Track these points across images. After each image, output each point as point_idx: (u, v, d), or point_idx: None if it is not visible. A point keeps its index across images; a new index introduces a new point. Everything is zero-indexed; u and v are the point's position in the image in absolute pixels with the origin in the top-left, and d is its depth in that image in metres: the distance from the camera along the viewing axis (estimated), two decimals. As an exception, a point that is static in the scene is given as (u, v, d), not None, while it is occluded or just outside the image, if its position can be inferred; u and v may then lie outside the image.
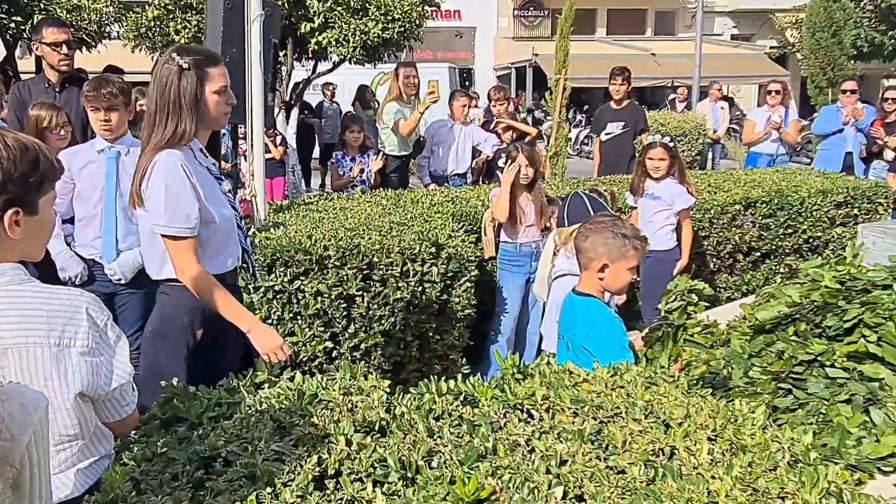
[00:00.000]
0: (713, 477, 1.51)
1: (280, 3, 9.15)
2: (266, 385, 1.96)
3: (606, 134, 7.56)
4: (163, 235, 2.54)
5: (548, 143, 11.19)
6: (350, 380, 1.97)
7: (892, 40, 22.59)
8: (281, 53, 10.05)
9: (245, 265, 2.96)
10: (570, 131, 16.06)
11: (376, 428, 1.67)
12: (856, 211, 5.82)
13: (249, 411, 1.76)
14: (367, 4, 10.10)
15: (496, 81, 27.21)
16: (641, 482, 1.48)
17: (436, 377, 1.96)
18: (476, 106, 17.42)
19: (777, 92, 7.97)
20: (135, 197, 2.59)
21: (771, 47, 26.56)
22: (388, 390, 1.90)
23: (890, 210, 5.96)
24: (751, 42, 27.10)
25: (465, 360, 4.25)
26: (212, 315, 2.64)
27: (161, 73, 2.56)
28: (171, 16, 9.16)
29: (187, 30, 9.10)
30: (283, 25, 9.45)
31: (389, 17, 10.15)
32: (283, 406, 1.77)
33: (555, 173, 10.05)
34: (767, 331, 3.32)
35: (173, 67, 2.54)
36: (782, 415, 2.95)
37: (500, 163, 6.86)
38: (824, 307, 3.19)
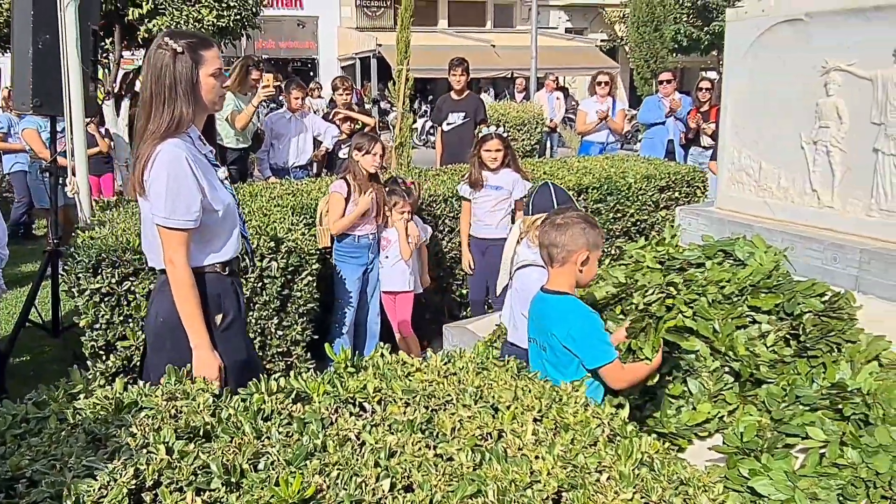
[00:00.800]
0: (536, 456, 1.56)
1: (103, -13, 8.60)
2: (81, 396, 1.84)
3: (448, 124, 7.67)
4: (158, 225, 2.50)
5: (393, 133, 11.21)
6: (176, 384, 1.88)
7: (709, 35, 24.36)
8: (107, 41, 9.46)
9: (245, 252, 2.93)
10: (414, 121, 16.20)
11: (201, 433, 1.60)
12: (677, 194, 6.22)
13: (61, 426, 1.64)
14: (199, -9, 9.69)
15: (341, 72, 26.97)
16: (468, 467, 1.50)
17: (281, 374, 1.91)
18: (320, 96, 17.17)
19: (605, 83, 8.38)
20: (136, 186, 2.53)
21: (602, 40, 27.96)
22: (216, 393, 1.84)
23: (708, 193, 6.42)
24: (584, 35, 28.38)
25: (309, 355, 4.18)
26: (227, 300, 2.67)
27: (155, 59, 2.52)
28: (-23, -1, 8.37)
29: (-4, 14, 8.36)
30: (108, 11, 8.90)
31: (224, 4, 9.78)
32: (99, 417, 1.67)
33: (400, 163, 10.09)
34: (598, 310, 3.48)
35: (167, 52, 2.50)
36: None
37: (342, 153, 6.83)
38: (646, 286, 3.39)
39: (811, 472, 2.48)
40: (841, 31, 3.27)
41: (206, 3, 9.59)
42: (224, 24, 9.92)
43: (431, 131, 18.38)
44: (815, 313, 3.02)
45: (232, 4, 9.82)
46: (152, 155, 2.49)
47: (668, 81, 8.45)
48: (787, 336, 3.03)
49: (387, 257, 4.72)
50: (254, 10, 10.39)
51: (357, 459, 1.51)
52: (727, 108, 3.99)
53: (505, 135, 4.97)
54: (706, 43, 24.30)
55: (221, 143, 6.56)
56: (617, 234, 6.02)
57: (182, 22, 9.48)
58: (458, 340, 4.22)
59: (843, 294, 3.11)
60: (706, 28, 24.73)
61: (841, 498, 2.44)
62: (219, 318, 2.67)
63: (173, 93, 2.50)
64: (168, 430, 1.54)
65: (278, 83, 6.54)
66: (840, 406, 2.63)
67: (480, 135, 4.99)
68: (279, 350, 4.10)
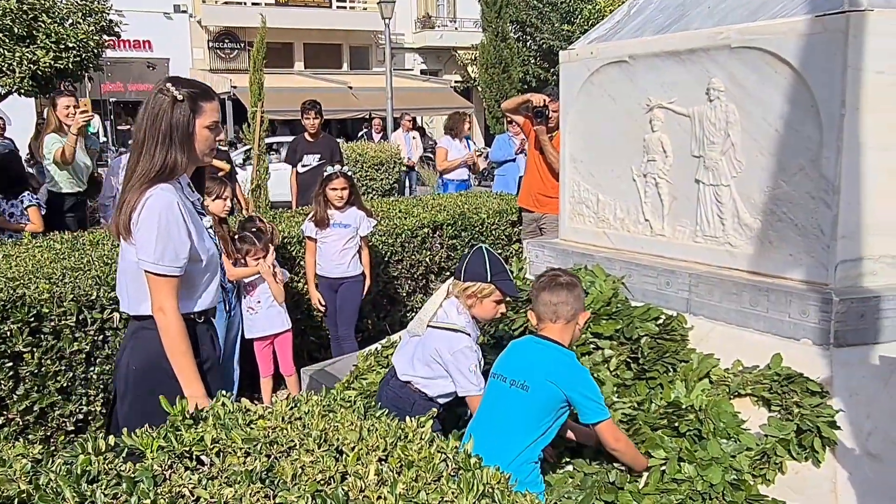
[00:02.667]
0: (378, 497, 1.55)
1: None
2: None
3: (303, 166, 7.64)
4: (147, 271, 2.46)
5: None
6: (-9, 452, 1.74)
7: (555, 76, 25.57)
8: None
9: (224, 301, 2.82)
10: (270, 163, 15.93)
11: (15, 503, 1.48)
12: (529, 228, 6.45)
13: None
14: (34, 31, 9.22)
15: (194, 114, 26.22)
16: (307, 514, 1.47)
17: (126, 432, 1.81)
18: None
19: (462, 122, 8.65)
20: (121, 229, 2.48)
21: (456, 81, 28.78)
22: (38, 457, 1.71)
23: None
24: (438, 76, 29.12)
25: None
26: (203, 348, 2.64)
27: (154, 102, 2.50)
28: None
29: None
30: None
31: (62, 46, 9.38)
32: None
33: (258, 205, 9.90)
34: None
35: (167, 98, 2.49)
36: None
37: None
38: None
39: (653, 490, 2.61)
40: (660, 71, 3.52)
41: (43, 45, 9.16)
42: (63, 66, 9.50)
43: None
44: (652, 336, 3.19)
45: (71, 46, 9.42)
46: (142, 199, 2.44)
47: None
48: (628, 360, 3.19)
49: (259, 302, 4.59)
50: (95, 51, 10.01)
51: (189, 516, 1.45)
52: (565, 144, 4.19)
53: (350, 173, 4.99)
54: (553, 83, 25.50)
55: (59, 189, 6.21)
56: (473, 268, 6.15)
57: (15, 63, 9.00)
58: (317, 383, 4.15)
59: (675, 316, 3.31)
60: (552, 70, 25.99)
61: (681, 511, 2.57)
62: (195, 362, 2.58)
63: (167, 139, 2.48)
64: (-24, 503, 1.42)
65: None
66: (676, 424, 2.78)
67: (325, 174, 4.99)
68: (125, 406, 3.88)
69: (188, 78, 2.72)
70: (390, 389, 3.18)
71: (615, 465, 2.74)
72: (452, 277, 3.16)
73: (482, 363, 3.06)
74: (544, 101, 5.43)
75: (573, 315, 2.76)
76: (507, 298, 3.13)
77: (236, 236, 4.59)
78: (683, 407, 2.86)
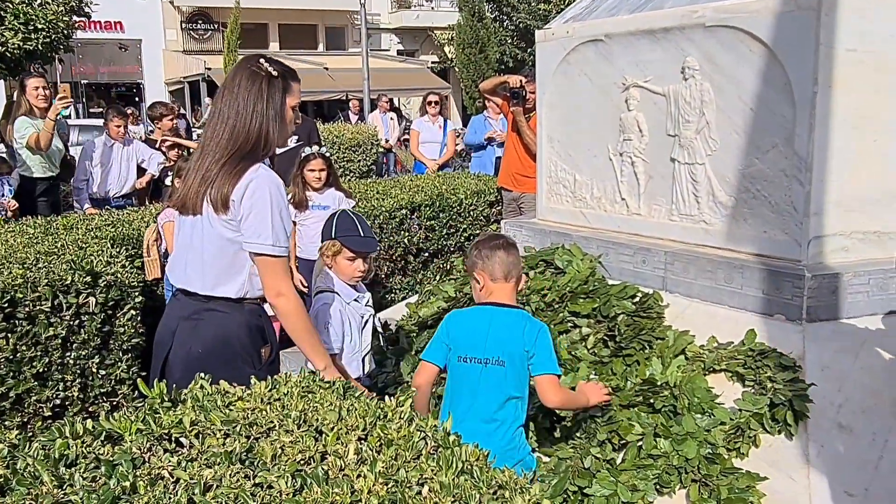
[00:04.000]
0: (358, 476, 1.56)
1: None
2: None
3: (280, 148, 7.57)
4: (263, 255, 2.41)
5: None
6: (-32, 438, 1.73)
7: (532, 56, 25.52)
8: None
9: None
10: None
11: (-7, 488, 1.48)
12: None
13: None
14: (1, 12, 9.04)
15: (168, 96, 25.95)
16: (287, 493, 1.48)
17: (103, 415, 1.80)
18: (136, 122, 16.38)
19: (435, 103, 8.61)
20: (217, 203, 2.39)
21: (433, 62, 28.62)
22: (15, 442, 1.70)
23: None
24: (415, 57, 28.94)
25: (137, 393, 3.97)
26: (271, 332, 2.61)
27: (246, 77, 2.45)
28: None
29: None
30: None
31: (31, 27, 9.19)
32: None
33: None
34: (430, 326, 3.56)
35: (262, 73, 2.45)
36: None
37: (168, 181, 6.56)
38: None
39: (630, 466, 2.65)
40: (636, 50, 3.53)
41: (11, 26, 8.98)
42: (32, 48, 9.32)
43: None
44: (628, 314, 3.22)
45: (40, 27, 9.24)
46: (244, 177, 2.38)
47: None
48: (605, 337, 3.22)
49: None
50: (65, 32, 9.84)
51: (170, 498, 1.45)
52: (542, 124, 4.20)
53: (328, 154, 4.97)
54: (531, 63, 25.46)
55: (31, 174, 6.13)
56: (451, 249, 6.16)
57: (-17, 45, 8.82)
58: (294, 366, 4.15)
59: (651, 294, 3.34)
60: (529, 50, 25.92)
61: (658, 486, 2.61)
62: (265, 350, 2.60)
63: (264, 115, 2.43)
64: (-47, 489, 1.42)
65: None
66: (652, 400, 2.81)
67: (303, 155, 4.96)
68: (103, 391, 3.87)
69: (275, 57, 2.66)
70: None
71: (591, 449, 2.76)
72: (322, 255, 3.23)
73: (356, 322, 3.13)
74: (521, 81, 5.44)
75: (521, 275, 2.79)
76: (366, 257, 3.17)
77: None
78: (659, 384, 2.90)
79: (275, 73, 2.49)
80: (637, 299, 3.33)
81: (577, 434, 2.84)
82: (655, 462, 2.64)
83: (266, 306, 2.76)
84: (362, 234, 3.18)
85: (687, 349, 3.06)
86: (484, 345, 2.67)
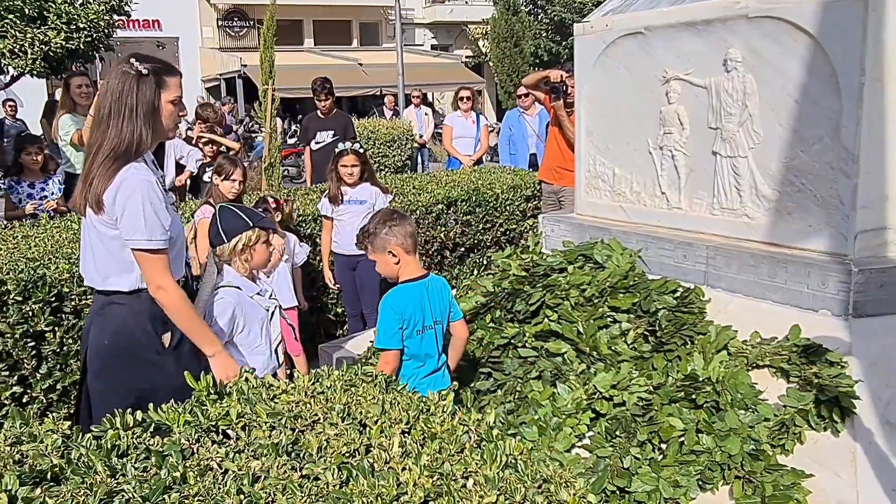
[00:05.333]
0: (403, 468, 1.57)
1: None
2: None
3: (317, 143, 7.62)
4: (140, 250, 2.50)
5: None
6: (22, 427, 1.77)
7: (567, 49, 25.38)
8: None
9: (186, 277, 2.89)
10: (283, 141, 15.96)
11: (48, 477, 1.51)
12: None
13: None
14: (44, 12, 9.21)
15: (205, 93, 26.24)
16: (334, 485, 1.49)
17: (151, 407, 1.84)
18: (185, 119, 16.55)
19: (467, 98, 8.56)
20: (91, 203, 2.50)
21: (467, 56, 28.56)
22: (68, 433, 1.74)
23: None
24: (449, 52, 28.90)
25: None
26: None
27: (118, 78, 2.52)
28: None
29: None
30: (-60, 35, 8.32)
31: (73, 27, 9.36)
32: (-67, 469, 1.54)
33: (271, 184, 9.93)
34: (468, 321, 3.55)
35: (132, 73, 2.51)
36: (485, 397, 3.18)
37: (206, 177, 6.64)
38: (514, 293, 3.49)
39: (672, 461, 2.62)
40: (677, 42, 3.49)
41: (54, 25, 9.16)
42: (74, 47, 9.49)
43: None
44: (669, 309, 3.19)
45: (82, 26, 9.41)
46: (116, 177, 2.48)
47: (526, 95, 8.74)
48: (646, 333, 3.19)
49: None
50: (106, 31, 10.00)
51: (219, 488, 1.47)
52: (581, 118, 4.16)
53: (361, 150, 4.97)
54: (566, 57, 25.32)
55: (72, 170, 6.24)
56: (487, 244, 6.15)
57: (27, 45, 9.00)
58: (334, 360, 4.18)
59: (692, 289, 3.30)
60: (564, 43, 25.75)
61: (700, 482, 2.58)
62: (166, 337, 2.66)
63: (134, 114, 2.51)
64: (11, 477, 1.45)
65: None
66: (694, 396, 2.78)
67: (337, 150, 4.99)
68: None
69: (149, 55, 2.73)
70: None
71: (631, 449, 2.74)
72: (211, 252, 3.21)
73: (261, 315, 3.16)
74: (561, 76, 5.41)
75: (415, 246, 3.11)
76: (270, 236, 3.24)
77: None
78: (701, 379, 2.86)
79: (144, 71, 2.55)
80: (678, 294, 3.30)
81: (617, 433, 2.82)
82: (698, 458, 2.61)
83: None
84: (260, 216, 3.26)
85: (729, 345, 3.02)
86: (429, 312, 3.02)
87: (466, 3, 30.16)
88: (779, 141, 3.15)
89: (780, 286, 3.12)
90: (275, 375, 3.15)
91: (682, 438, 2.70)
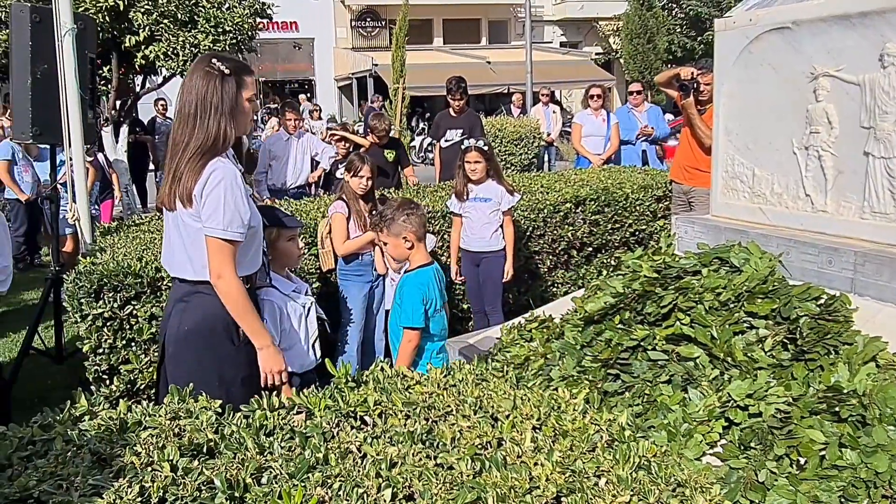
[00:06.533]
0: (535, 463, 1.58)
1: (100, 16, 8.69)
2: (86, 417, 1.86)
3: (446, 141, 7.72)
4: (211, 237, 2.61)
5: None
6: (180, 403, 1.91)
7: (703, 45, 24.51)
8: (104, 69, 9.55)
9: (264, 267, 3.04)
10: (412, 139, 16.29)
11: (204, 450, 1.63)
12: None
13: (67, 447, 1.66)
14: (195, 16, 9.79)
15: (338, 92, 27.13)
16: (468, 475, 1.53)
17: (293, 391, 1.95)
18: (320, 118, 17.23)
19: (598, 96, 8.44)
20: (182, 199, 2.62)
21: (597, 53, 28.13)
22: (220, 410, 1.86)
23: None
24: (578, 49, 28.55)
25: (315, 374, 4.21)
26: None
27: (201, 78, 2.64)
28: (-25, 31, 8.49)
29: (-5, 45, 8.47)
30: (105, 39, 9.00)
31: (220, 30, 9.89)
32: (104, 437, 1.69)
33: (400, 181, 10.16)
34: (596, 321, 3.52)
35: (215, 72, 2.63)
36: (612, 398, 3.14)
37: (339, 173, 6.88)
38: (644, 295, 3.42)
39: (812, 475, 2.50)
40: (828, 37, 3.31)
41: (203, 29, 9.71)
42: (221, 49, 10.01)
43: (430, 148, 18.47)
44: (812, 317, 3.04)
45: (228, 29, 9.92)
46: (205, 171, 2.61)
47: (638, 92, 8.56)
48: (785, 340, 3.05)
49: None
50: (249, 34, 10.50)
51: (358, 471, 1.54)
52: (719, 116, 4.02)
53: (486, 148, 5.00)
54: (700, 53, 24.48)
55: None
56: (616, 244, 6.05)
57: (179, 48, 9.59)
58: (459, 355, 4.24)
59: (838, 297, 3.13)
60: (699, 38, 24.89)
61: (842, 499, 2.45)
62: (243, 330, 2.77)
63: (219, 112, 2.64)
64: (172, 448, 1.57)
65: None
66: (837, 409, 2.64)
67: (463, 147, 5.05)
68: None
69: (226, 54, 2.85)
70: None
71: (767, 462, 2.63)
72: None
73: (297, 312, 3.24)
74: (692, 73, 5.26)
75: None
76: (297, 234, 3.42)
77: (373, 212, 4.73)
78: (845, 391, 2.71)
79: (227, 71, 2.64)
80: (822, 301, 3.13)
81: (752, 444, 2.72)
82: (840, 473, 2.47)
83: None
84: (278, 216, 3.35)
85: (878, 356, 2.84)
86: (441, 294, 3.41)
87: (597, -1, 29.71)
88: (940, 141, 2.93)
89: (938, 297, 2.91)
90: (311, 372, 3.30)
91: (823, 453, 2.57)
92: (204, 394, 1.92)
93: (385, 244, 3.51)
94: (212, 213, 2.60)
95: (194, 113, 2.64)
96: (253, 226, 2.75)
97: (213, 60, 2.67)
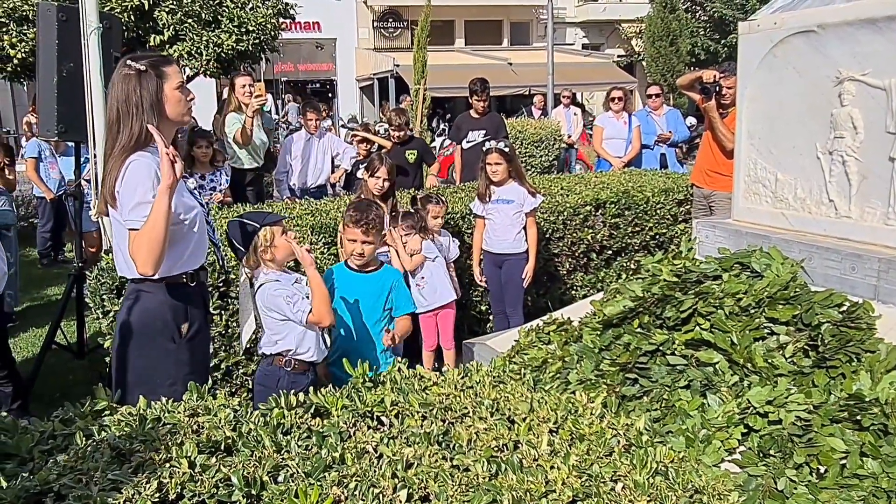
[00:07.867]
0: (552, 466, 1.58)
1: (126, 15, 8.78)
2: (106, 413, 1.88)
3: (468, 142, 7.71)
4: (130, 229, 2.60)
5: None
6: (198, 400, 1.92)
7: (726, 48, 24.32)
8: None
9: (216, 259, 3.06)
10: (433, 140, 16.30)
11: (222, 447, 1.64)
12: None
13: (87, 442, 1.68)
14: (219, 16, 9.86)
15: (359, 92, 27.20)
16: (484, 477, 1.53)
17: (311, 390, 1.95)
18: (328, 117, 17.28)
19: (619, 98, 8.40)
20: (107, 199, 2.66)
21: (619, 56, 28.00)
22: (238, 408, 1.87)
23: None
24: (600, 51, 28.43)
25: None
26: (193, 310, 2.85)
27: (121, 81, 2.68)
28: (4, 29, 8.59)
29: (24, 43, 8.57)
30: (129, 38, 9.08)
31: (244, 29, 9.96)
32: (124, 433, 1.71)
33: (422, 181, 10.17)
34: (615, 325, 3.50)
35: (132, 72, 2.66)
36: (630, 403, 3.12)
37: (359, 173, 6.90)
38: (664, 299, 3.40)
39: (832, 484, 2.47)
40: (854, 41, 3.27)
41: (226, 29, 9.78)
42: (244, 49, 10.09)
43: (450, 149, 18.46)
44: (834, 323, 3.01)
45: (251, 29, 9.99)
46: (122, 168, 2.62)
47: (657, 95, 8.52)
48: (806, 347, 3.02)
49: (423, 278, 4.71)
50: (272, 34, 10.56)
51: (374, 471, 1.54)
52: (742, 120, 3.99)
53: (507, 149, 4.98)
54: (724, 56, 24.29)
55: (240, 165, 6.66)
56: (636, 248, 6.02)
57: (202, 47, 9.67)
58: (477, 356, 4.23)
59: (860, 304, 3.10)
60: (723, 41, 24.69)
61: (863, 509, 2.42)
62: (184, 326, 2.83)
63: (140, 110, 2.66)
64: (190, 445, 1.58)
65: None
66: (859, 417, 2.61)
67: (484, 149, 5.04)
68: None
69: (144, 52, 2.87)
70: (259, 370, 3.39)
71: (786, 471, 2.60)
72: (241, 266, 3.36)
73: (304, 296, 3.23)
74: (715, 76, 5.22)
75: None
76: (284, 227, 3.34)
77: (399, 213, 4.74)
78: (867, 399, 2.68)
79: (143, 68, 2.67)
80: (844, 308, 3.10)
81: (772, 451, 2.69)
82: (861, 482, 2.44)
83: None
84: (264, 215, 3.37)
85: (902, 365, 2.80)
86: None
87: (620, 1, 29.56)
88: (968, 147, 2.89)
89: (964, 305, 2.86)
90: (321, 361, 3.39)
91: (844, 461, 2.54)
92: (150, 389, 1.94)
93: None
94: (124, 206, 2.62)
95: (117, 117, 2.68)
96: (184, 219, 2.74)
97: (128, 61, 2.70)
